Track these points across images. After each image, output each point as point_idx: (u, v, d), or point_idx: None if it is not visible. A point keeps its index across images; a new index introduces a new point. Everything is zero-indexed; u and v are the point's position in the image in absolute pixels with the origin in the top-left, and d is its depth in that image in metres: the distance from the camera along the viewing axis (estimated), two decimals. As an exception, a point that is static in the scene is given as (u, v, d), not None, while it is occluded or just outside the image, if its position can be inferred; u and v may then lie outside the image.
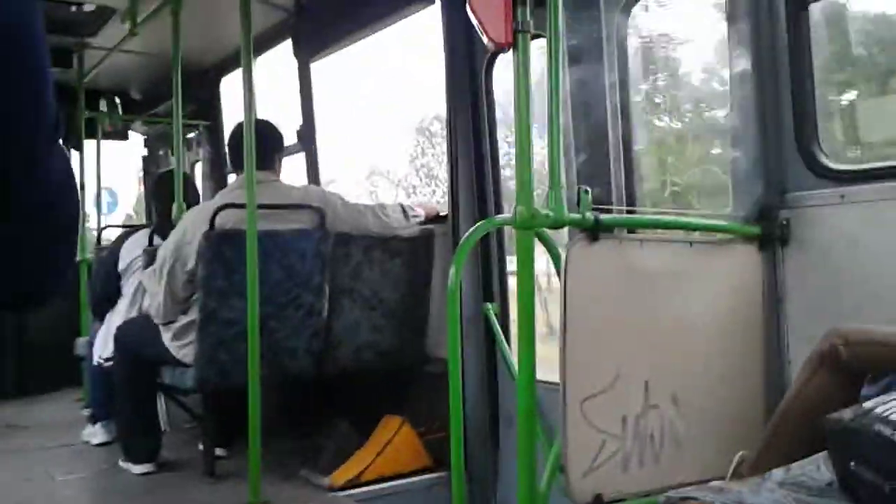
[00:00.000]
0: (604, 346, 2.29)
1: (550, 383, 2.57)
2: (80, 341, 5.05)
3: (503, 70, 3.60)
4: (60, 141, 0.77)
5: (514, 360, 2.87)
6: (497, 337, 3.39)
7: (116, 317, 4.16)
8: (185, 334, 3.49)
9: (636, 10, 2.85)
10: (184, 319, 3.52)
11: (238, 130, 3.75)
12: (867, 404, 1.78)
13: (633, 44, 2.88)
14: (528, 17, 2.08)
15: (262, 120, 3.81)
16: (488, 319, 3.44)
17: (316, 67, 4.76)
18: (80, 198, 0.87)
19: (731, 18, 2.61)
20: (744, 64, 2.57)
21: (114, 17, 4.70)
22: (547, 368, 2.35)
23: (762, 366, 2.58)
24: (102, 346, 4.17)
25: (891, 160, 2.53)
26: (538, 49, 2.23)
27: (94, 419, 4.39)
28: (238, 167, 3.72)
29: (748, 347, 2.57)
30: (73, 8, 4.53)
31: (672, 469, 2.38)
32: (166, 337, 3.56)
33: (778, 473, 1.88)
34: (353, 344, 3.78)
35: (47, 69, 0.73)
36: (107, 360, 4.07)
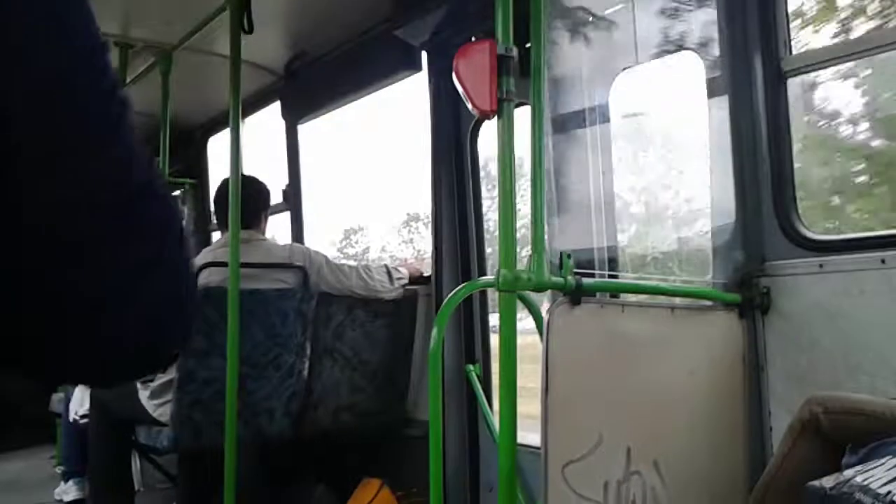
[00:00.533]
0: (585, 410, 2.28)
1: (532, 447, 2.56)
2: (56, 397, 4.98)
3: (487, 135, 3.67)
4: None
5: (495, 422, 2.86)
6: (479, 399, 3.37)
7: (93, 374, 4.10)
8: (162, 393, 3.45)
9: (618, 80, 2.92)
10: (162, 378, 3.48)
11: (224, 187, 3.77)
12: (847, 473, 1.78)
13: (615, 111, 2.94)
14: (513, 87, 2.13)
15: (249, 177, 3.82)
16: (470, 381, 3.43)
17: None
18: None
19: (710, 93, 2.68)
20: (723, 134, 2.64)
21: (104, 76, 4.74)
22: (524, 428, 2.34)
23: (744, 433, 2.58)
24: (79, 404, 4.11)
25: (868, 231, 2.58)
26: (521, 115, 2.28)
27: (66, 476, 4.30)
28: (223, 224, 3.73)
29: (730, 415, 2.57)
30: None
31: (653, 537, 2.35)
32: (143, 396, 3.52)
33: (760, 543, 1.86)
34: (332, 405, 3.75)
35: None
36: (82, 417, 4.01)
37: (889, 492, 1.65)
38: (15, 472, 5.10)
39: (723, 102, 2.64)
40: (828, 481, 1.77)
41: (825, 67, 2.57)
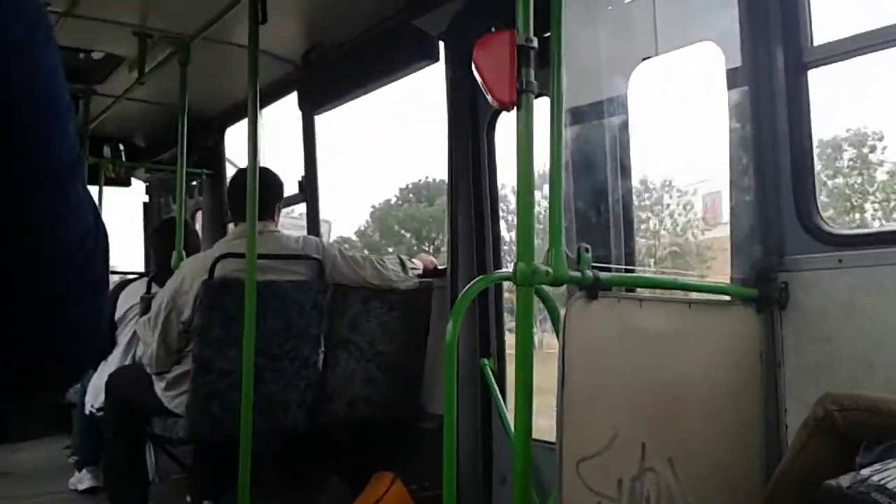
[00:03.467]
0: (601, 405, 2.27)
1: (546, 442, 2.55)
2: (72, 388, 5.00)
3: (505, 127, 3.65)
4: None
5: (509, 417, 2.85)
6: (493, 393, 3.36)
7: (110, 366, 4.13)
8: (178, 385, 3.46)
9: (638, 70, 2.89)
10: (177, 370, 3.49)
11: (238, 178, 3.77)
12: (864, 472, 1.76)
13: (634, 102, 2.91)
14: (532, 78, 2.12)
15: (264, 168, 3.82)
16: (484, 375, 3.42)
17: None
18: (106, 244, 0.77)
19: (730, 83, 2.65)
20: (743, 128, 2.61)
21: (121, 66, 4.77)
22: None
23: (760, 430, 2.56)
24: (94, 396, 4.13)
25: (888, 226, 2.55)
26: (540, 107, 2.26)
27: (80, 465, 4.33)
28: (237, 215, 3.74)
29: (745, 411, 2.55)
30: (82, 55, 4.59)
31: (669, 534, 2.34)
32: (159, 387, 3.53)
33: (777, 541, 1.85)
34: (347, 397, 3.75)
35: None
36: (98, 409, 4.03)
37: (908, 491, 1.63)
38: (30, 461, 5.15)
39: (743, 94, 2.61)
40: (844, 480, 1.75)
41: (849, 58, 2.52)
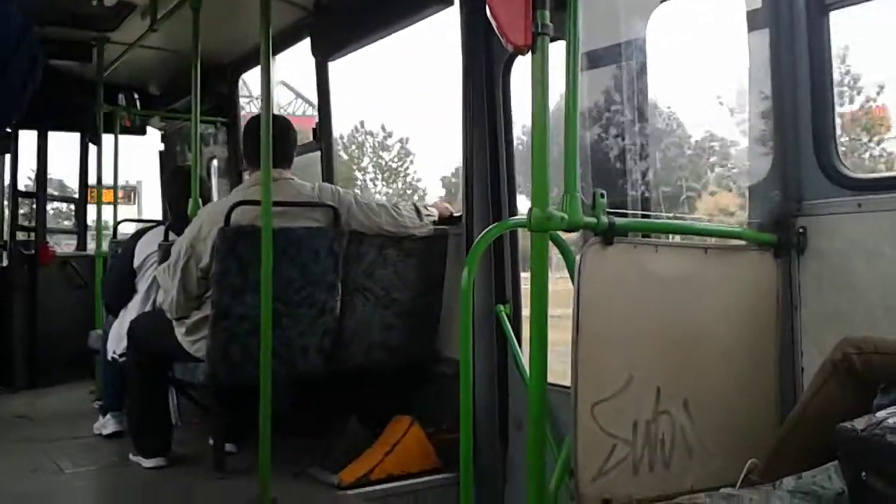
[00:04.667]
0: (616, 350, 2.28)
1: (561, 387, 2.57)
2: (94, 334, 5.08)
3: (521, 72, 3.60)
4: None
5: (525, 362, 2.87)
6: (509, 339, 3.39)
7: (130, 313, 4.18)
8: (197, 330, 3.51)
9: (656, 13, 2.84)
10: (197, 315, 3.54)
11: (252, 124, 3.75)
12: (880, 414, 1.77)
13: (652, 46, 2.87)
14: (548, 20, 2.08)
15: (278, 116, 3.81)
16: (500, 321, 3.44)
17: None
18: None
19: (751, 26, 2.60)
20: (763, 71, 2.56)
21: (134, 13, 4.73)
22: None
23: (775, 373, 2.57)
24: (116, 342, 4.19)
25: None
26: (554, 50, 2.22)
27: (105, 410, 4.41)
28: (253, 163, 3.73)
29: (761, 355, 2.56)
30: (94, 2, 4.56)
31: (682, 475, 2.37)
32: (179, 332, 3.58)
33: (789, 482, 1.87)
34: (364, 342, 3.79)
35: None
36: (121, 355, 4.09)
37: (923, 434, 1.64)
38: (55, 406, 5.24)
39: (763, 37, 2.56)
40: (860, 423, 1.76)
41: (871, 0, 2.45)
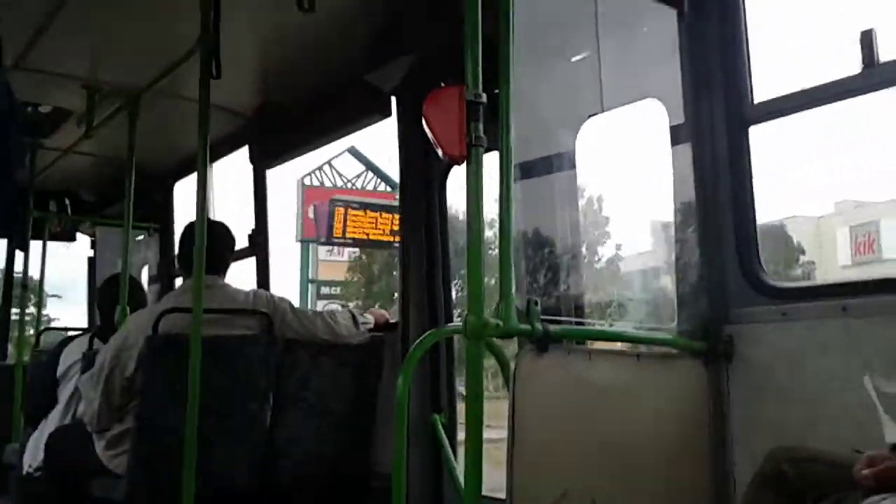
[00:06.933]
0: (551, 460, 2.25)
1: (496, 499, 2.52)
2: (10, 448, 4.81)
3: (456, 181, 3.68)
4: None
5: (459, 472, 2.81)
6: (444, 449, 3.32)
7: (49, 424, 3.99)
8: (118, 443, 3.35)
9: (585, 127, 2.95)
10: (119, 428, 3.38)
11: (189, 231, 3.72)
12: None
13: (581, 158, 2.97)
14: (481, 132, 2.14)
15: (216, 221, 3.78)
16: (435, 430, 3.38)
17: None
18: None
19: (674, 139, 2.71)
20: (686, 183, 2.66)
21: (69, 119, 4.71)
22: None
23: (710, 484, 2.55)
24: (33, 455, 3.98)
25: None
26: (488, 161, 2.28)
27: (16, 532, 4.14)
28: (187, 270, 3.68)
29: (696, 465, 2.55)
30: (30, 109, 4.54)
31: (621, 590, 2.31)
32: (99, 446, 3.41)
33: None
34: (296, 455, 3.65)
35: None
36: (37, 469, 3.88)
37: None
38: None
39: (686, 150, 2.67)
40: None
41: (789, 115, 2.58)
